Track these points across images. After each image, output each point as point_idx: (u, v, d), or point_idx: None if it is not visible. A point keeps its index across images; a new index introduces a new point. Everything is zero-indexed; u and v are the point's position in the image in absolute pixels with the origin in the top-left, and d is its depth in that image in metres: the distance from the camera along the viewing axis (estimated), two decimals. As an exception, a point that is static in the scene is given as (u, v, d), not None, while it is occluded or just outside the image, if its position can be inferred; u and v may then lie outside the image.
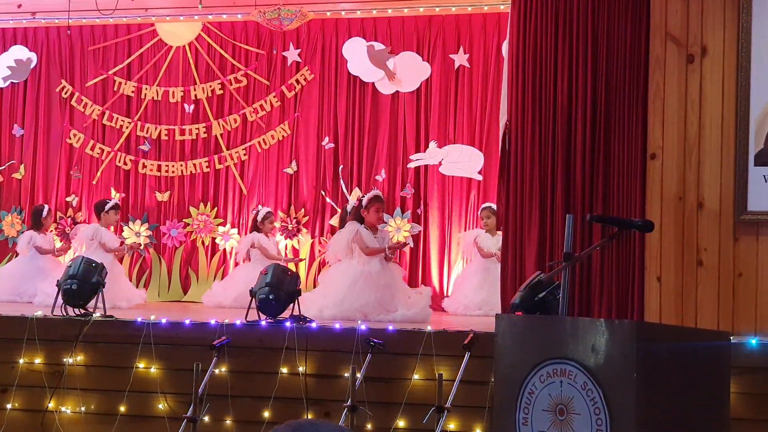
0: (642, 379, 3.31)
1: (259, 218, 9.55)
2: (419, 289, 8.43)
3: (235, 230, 10.12)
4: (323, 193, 9.96)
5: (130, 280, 9.66)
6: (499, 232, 8.35)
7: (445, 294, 9.43)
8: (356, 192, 9.56)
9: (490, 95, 9.49)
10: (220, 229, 10.14)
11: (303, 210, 9.98)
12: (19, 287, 9.12)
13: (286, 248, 9.91)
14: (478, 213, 9.31)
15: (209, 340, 6.24)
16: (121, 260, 9.80)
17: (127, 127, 10.33)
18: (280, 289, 6.85)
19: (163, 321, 6.66)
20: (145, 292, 9.40)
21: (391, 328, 6.48)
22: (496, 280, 7.45)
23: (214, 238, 10.16)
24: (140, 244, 10.03)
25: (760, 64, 6.14)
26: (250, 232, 9.58)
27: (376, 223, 7.90)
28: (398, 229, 9.63)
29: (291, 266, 9.27)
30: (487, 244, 9.05)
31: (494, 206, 8.93)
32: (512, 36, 6.94)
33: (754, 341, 5.80)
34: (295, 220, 9.96)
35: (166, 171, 10.26)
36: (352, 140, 9.95)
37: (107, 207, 9.15)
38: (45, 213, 9.70)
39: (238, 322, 6.62)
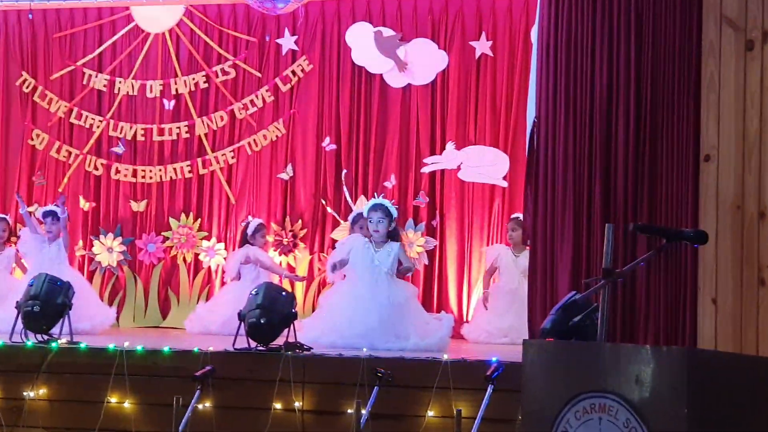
0: (694, 415, 3.28)
1: (249, 231, 9.56)
2: (438, 315, 8.40)
3: (222, 245, 10.12)
4: (324, 202, 9.95)
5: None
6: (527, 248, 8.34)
7: (464, 319, 9.41)
8: (362, 201, 9.54)
9: (517, 88, 9.49)
10: (205, 243, 10.14)
11: (300, 222, 9.98)
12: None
13: (280, 266, 9.91)
14: (508, 225, 9.30)
15: (191, 371, 6.23)
16: (90, 278, 9.82)
17: (98, 127, 10.35)
18: (272, 311, 6.84)
19: (139, 348, 6.64)
20: (115, 311, 9.38)
21: (401, 357, 6.45)
22: (523, 302, 7.44)
23: (197, 255, 10.16)
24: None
25: (830, 51, 6.11)
26: (239, 247, 9.60)
27: (373, 235, 7.93)
28: (410, 243, 9.61)
29: (286, 285, 9.27)
30: (505, 262, 9.04)
31: (518, 215, 8.92)
32: (542, 20, 6.93)
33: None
34: (290, 234, 9.95)
35: (143, 177, 10.27)
36: (356, 141, 9.95)
37: None
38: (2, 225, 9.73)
39: (224, 349, 6.60)
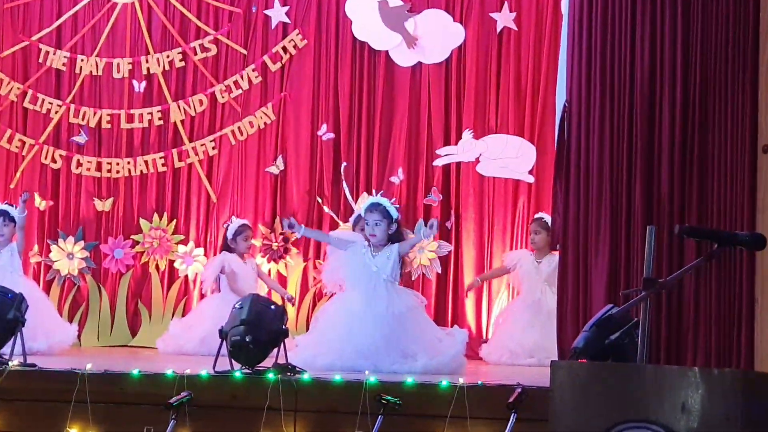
0: (751, 449, 3.28)
1: (229, 234, 9.56)
2: (450, 330, 8.40)
3: (201, 251, 10.12)
4: (320, 200, 9.95)
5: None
6: (554, 254, 8.31)
7: (483, 337, 9.42)
8: (364, 200, 9.50)
9: (545, 68, 9.50)
10: (181, 249, 10.14)
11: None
12: None
13: (269, 274, 9.91)
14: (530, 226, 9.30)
15: (165, 397, 6.22)
16: (47, 290, 9.81)
17: (56, 112, 10.35)
18: (259, 328, 6.84)
19: (104, 371, 6.63)
20: (76, 328, 9.39)
21: (409, 380, 6.45)
22: (550, 315, 7.43)
23: (172, 262, 10.16)
24: None
25: None
26: (220, 252, 9.61)
27: (370, 239, 7.91)
28: (420, 249, 9.61)
29: (275, 298, 9.27)
30: (525, 270, 9.05)
31: (546, 217, 8.91)
32: (574, -13, 6.94)
33: None
34: (281, 238, 9.95)
35: (109, 171, 10.27)
36: (358, 129, 9.96)
37: None
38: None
39: (204, 372, 6.60)
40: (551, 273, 8.64)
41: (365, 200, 8.84)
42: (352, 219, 9.29)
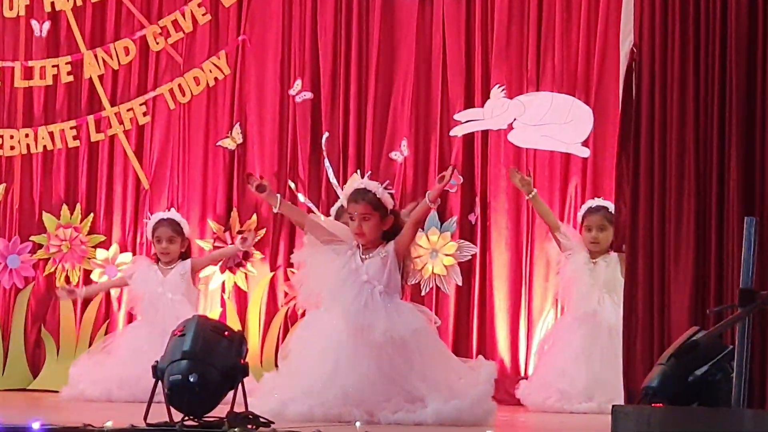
0: None
1: (147, 233, 9.68)
2: (474, 363, 8.38)
3: (129, 256, 10.17)
4: (292, 185, 10.00)
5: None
6: (612, 254, 8.33)
7: (521, 372, 9.47)
8: (355, 180, 9.50)
9: (603, 1, 9.50)
10: (101, 254, 10.17)
11: (255, 216, 10.04)
12: None
13: (223, 290, 9.92)
14: (578, 217, 9.32)
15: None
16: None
17: None
18: (209, 363, 6.81)
19: (-8, 425, 6.65)
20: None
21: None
22: (613, 337, 7.42)
23: (88, 272, 10.19)
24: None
25: None
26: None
27: (357, 239, 7.84)
28: (433, 252, 9.62)
29: (232, 321, 9.28)
30: (576, 271, 9.07)
31: (606, 204, 8.93)
32: None
33: None
34: (239, 237, 9.95)
35: (0, 146, 10.29)
36: (345, 87, 10.00)
37: None
38: None
39: (131, 426, 6.61)
40: (611, 278, 8.66)
41: (356, 181, 8.83)
42: (334, 210, 9.24)
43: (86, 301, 10.12)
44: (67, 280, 10.20)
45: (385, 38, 9.96)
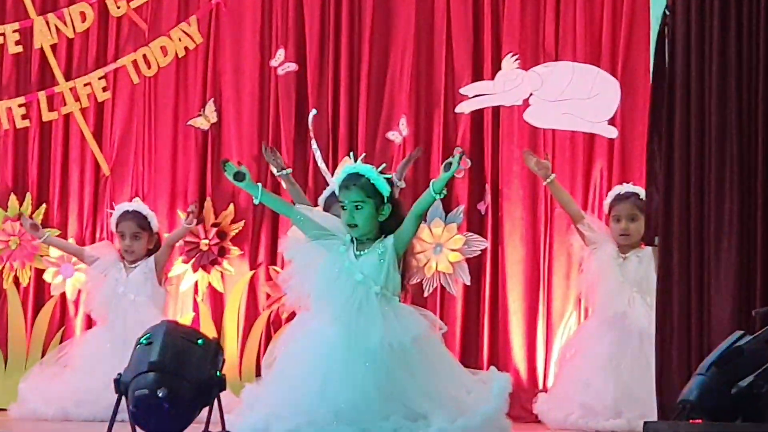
0: None
1: (112, 225, 9.78)
2: (485, 375, 8.40)
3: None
4: (275, 170, 9.98)
5: None
6: (644, 248, 8.35)
7: (539, 385, 9.52)
8: (346, 163, 9.51)
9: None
10: (54, 251, 10.17)
11: (232, 207, 10.11)
12: None
13: (196, 292, 9.94)
14: (604, 206, 9.32)
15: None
16: None
17: None
18: (179, 375, 6.86)
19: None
20: None
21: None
22: (645, 343, 7.44)
23: (40, 272, 10.22)
24: None
25: None
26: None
27: (350, 231, 7.83)
28: (437, 246, 9.64)
29: (207, 328, 9.31)
30: (603, 267, 9.08)
31: (636, 191, 8.96)
32: None
33: None
34: (215, 231, 9.97)
35: (-66, 127, 10.35)
36: (335, 57, 10.06)
37: None
38: None
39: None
40: (643, 275, 8.68)
41: (348, 165, 8.84)
42: (322, 199, 9.24)
43: (37, 302, 10.15)
44: (16, 280, 10.21)
45: (381, 0, 9.96)
